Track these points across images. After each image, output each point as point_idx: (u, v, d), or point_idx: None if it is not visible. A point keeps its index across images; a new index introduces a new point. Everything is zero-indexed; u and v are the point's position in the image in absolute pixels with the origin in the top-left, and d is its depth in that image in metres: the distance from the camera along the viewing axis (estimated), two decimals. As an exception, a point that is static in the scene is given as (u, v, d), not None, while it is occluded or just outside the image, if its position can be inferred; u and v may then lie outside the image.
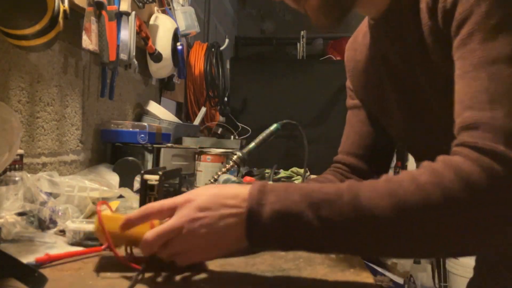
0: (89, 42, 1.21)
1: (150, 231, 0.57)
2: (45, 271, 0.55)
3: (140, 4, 1.57)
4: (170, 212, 0.57)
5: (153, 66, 1.76)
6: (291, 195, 0.53)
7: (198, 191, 0.59)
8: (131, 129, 1.38)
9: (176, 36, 1.78)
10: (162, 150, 1.36)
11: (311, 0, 0.68)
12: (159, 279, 0.60)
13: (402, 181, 0.52)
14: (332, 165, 0.96)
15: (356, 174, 0.90)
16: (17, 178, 0.81)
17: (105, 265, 0.63)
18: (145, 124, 1.40)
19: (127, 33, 1.37)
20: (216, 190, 0.58)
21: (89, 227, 0.74)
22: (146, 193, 0.79)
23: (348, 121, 0.96)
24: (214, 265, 0.67)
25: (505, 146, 0.49)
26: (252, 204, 0.53)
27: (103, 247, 0.61)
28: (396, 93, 0.76)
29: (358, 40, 0.87)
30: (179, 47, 1.82)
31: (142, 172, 0.80)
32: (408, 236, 0.51)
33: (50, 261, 0.63)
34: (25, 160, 1.01)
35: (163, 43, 1.71)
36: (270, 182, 0.63)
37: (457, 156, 0.51)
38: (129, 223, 0.59)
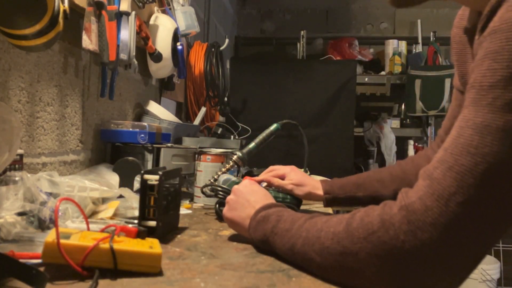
0: (89, 42, 1.21)
1: None
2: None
3: (140, 4, 1.57)
4: None
5: (153, 66, 1.76)
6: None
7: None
8: (131, 129, 1.38)
9: (176, 36, 1.78)
10: (162, 150, 1.36)
11: None
12: (159, 278, 0.60)
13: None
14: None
15: None
16: (17, 178, 0.81)
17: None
18: (145, 124, 1.40)
19: (127, 33, 1.37)
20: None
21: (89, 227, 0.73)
22: (146, 193, 0.79)
23: (452, 100, 0.98)
24: (214, 265, 0.67)
25: (416, 200, 0.53)
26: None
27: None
28: None
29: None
30: (179, 47, 1.82)
31: (142, 172, 0.80)
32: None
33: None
34: (25, 160, 1.01)
35: (163, 43, 1.71)
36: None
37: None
38: None
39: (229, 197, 0.86)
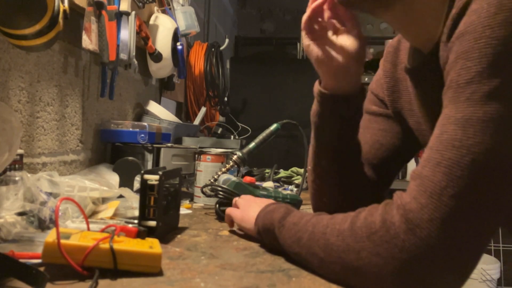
0: (89, 42, 1.21)
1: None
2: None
3: (140, 4, 1.57)
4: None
5: (153, 66, 1.76)
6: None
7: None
8: (131, 129, 1.38)
9: (176, 36, 1.78)
10: (162, 150, 1.36)
11: None
12: (159, 278, 0.60)
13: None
14: None
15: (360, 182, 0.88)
16: (17, 178, 0.81)
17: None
18: (145, 124, 1.40)
19: (127, 33, 1.37)
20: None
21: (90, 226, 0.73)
22: (146, 193, 0.79)
23: (366, 127, 0.91)
24: (214, 265, 0.67)
25: (410, 200, 0.54)
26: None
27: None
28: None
29: (400, 57, 0.83)
30: (179, 47, 1.82)
31: (142, 172, 0.80)
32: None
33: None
34: (25, 160, 1.01)
35: (163, 43, 1.71)
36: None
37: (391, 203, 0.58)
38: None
39: (238, 199, 0.92)
